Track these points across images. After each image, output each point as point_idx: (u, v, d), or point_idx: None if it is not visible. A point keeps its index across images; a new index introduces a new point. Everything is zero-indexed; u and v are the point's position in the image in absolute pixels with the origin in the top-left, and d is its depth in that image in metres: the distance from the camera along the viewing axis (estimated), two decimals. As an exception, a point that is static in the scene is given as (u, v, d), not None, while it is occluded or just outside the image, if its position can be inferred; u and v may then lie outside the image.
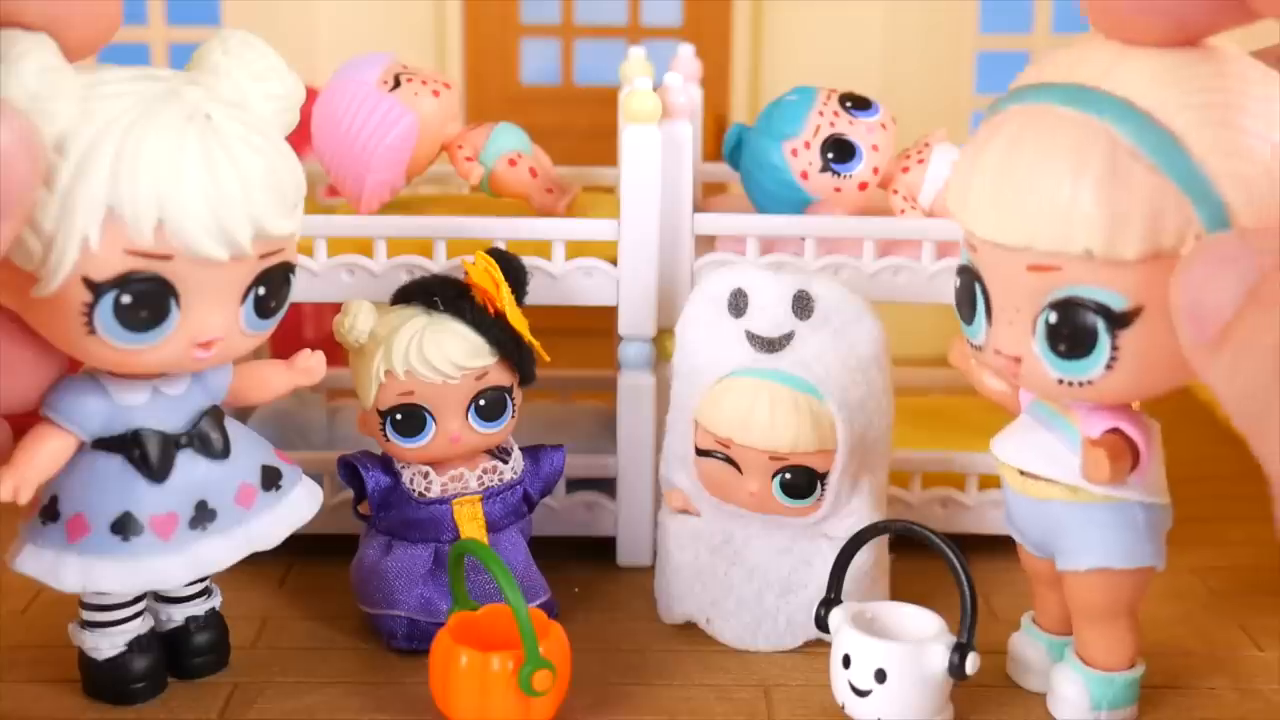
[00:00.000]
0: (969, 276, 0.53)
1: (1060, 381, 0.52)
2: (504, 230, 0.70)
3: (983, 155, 0.50)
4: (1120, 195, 0.47)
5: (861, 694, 0.57)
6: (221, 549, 0.57)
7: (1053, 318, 0.50)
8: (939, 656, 0.56)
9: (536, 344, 0.65)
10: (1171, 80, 0.47)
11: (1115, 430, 0.55)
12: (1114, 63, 0.48)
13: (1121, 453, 0.54)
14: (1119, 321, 0.49)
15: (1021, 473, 0.58)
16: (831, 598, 0.60)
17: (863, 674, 0.57)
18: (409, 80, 0.72)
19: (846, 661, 0.57)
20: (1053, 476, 0.57)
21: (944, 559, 0.57)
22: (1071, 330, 0.50)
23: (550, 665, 0.56)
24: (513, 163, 0.73)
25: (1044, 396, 0.57)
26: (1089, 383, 0.51)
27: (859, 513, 0.64)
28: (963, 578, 0.56)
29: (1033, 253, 0.50)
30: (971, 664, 0.56)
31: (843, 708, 0.58)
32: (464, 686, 0.56)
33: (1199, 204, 0.47)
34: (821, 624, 0.60)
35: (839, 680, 0.58)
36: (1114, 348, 0.50)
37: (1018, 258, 0.50)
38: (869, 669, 0.57)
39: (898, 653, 0.57)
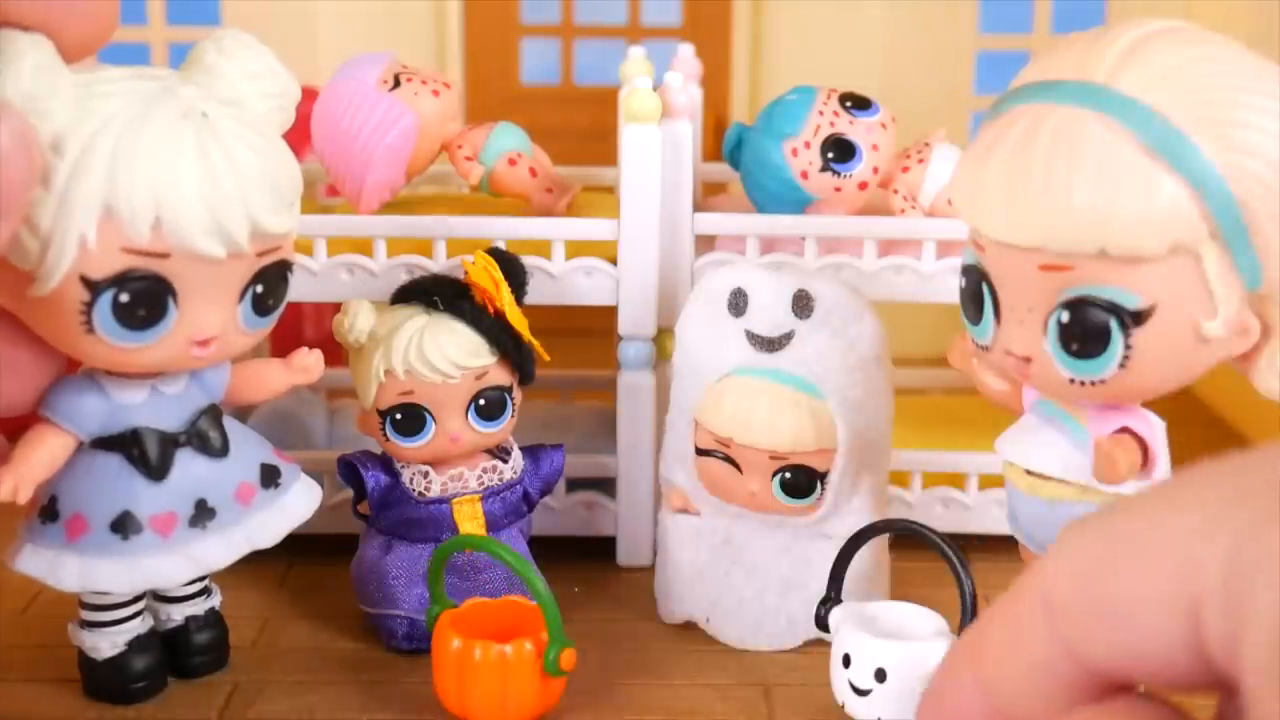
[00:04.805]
0: (975, 276, 0.53)
1: (1072, 381, 0.52)
2: (504, 230, 0.70)
3: (991, 155, 0.50)
4: (1133, 194, 0.47)
5: (861, 693, 0.57)
6: (221, 548, 0.57)
7: (1065, 317, 0.50)
8: (939, 656, 0.56)
9: (536, 344, 0.65)
10: (1179, 78, 0.47)
11: (1125, 429, 0.55)
12: (1120, 61, 0.48)
13: (1133, 452, 0.54)
14: (1133, 320, 0.49)
15: (1029, 473, 0.58)
16: (831, 597, 0.60)
17: (862, 673, 0.57)
18: (409, 80, 0.72)
19: (846, 661, 0.57)
20: (1063, 477, 0.57)
21: (943, 557, 0.57)
22: (1084, 330, 0.50)
23: (573, 643, 0.57)
24: (513, 162, 0.73)
25: (1054, 396, 0.56)
26: (1101, 382, 0.51)
27: (859, 512, 0.64)
28: (962, 576, 0.56)
29: (1045, 253, 0.49)
30: (971, 663, 0.56)
31: (842, 707, 0.58)
32: (483, 679, 0.57)
33: (1211, 200, 0.47)
34: (821, 623, 0.60)
35: (839, 679, 0.58)
36: (1127, 346, 0.50)
37: (1029, 258, 0.50)
38: (869, 668, 0.57)
39: (898, 652, 0.56)
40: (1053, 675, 0.25)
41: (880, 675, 0.56)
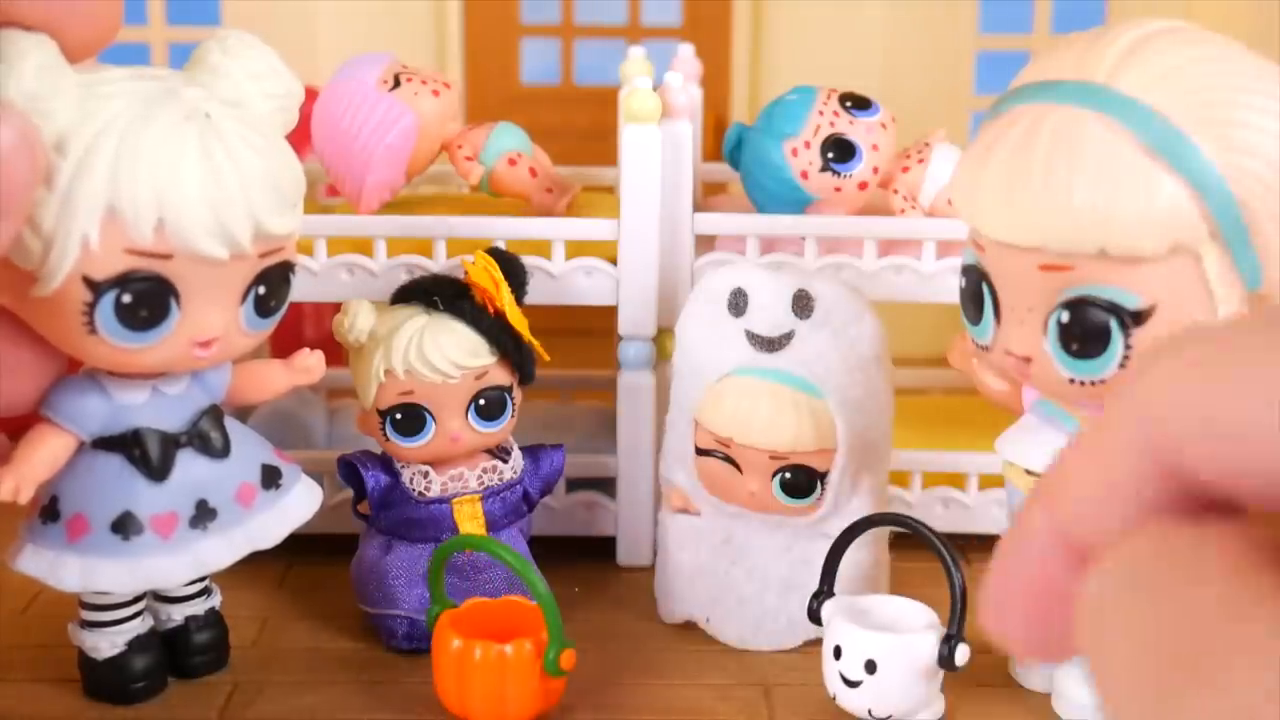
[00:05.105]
0: (975, 276, 0.53)
1: (1072, 381, 0.52)
2: (504, 230, 0.70)
3: (991, 155, 0.50)
4: (1133, 194, 0.47)
5: (852, 685, 0.57)
6: (222, 548, 0.57)
7: (1065, 317, 0.50)
8: (929, 648, 0.56)
9: (536, 343, 0.65)
10: (1179, 78, 0.47)
11: None
12: (1120, 61, 0.48)
13: None
14: (1133, 320, 0.49)
15: (1028, 473, 0.58)
16: (824, 590, 0.60)
17: (853, 665, 0.57)
18: (409, 80, 0.72)
19: (838, 653, 0.57)
20: None
21: (933, 551, 0.57)
22: (1084, 330, 0.50)
23: (573, 643, 0.57)
24: (513, 162, 0.73)
25: (1054, 396, 0.56)
26: (1102, 382, 0.51)
27: (859, 512, 0.63)
28: (952, 569, 0.56)
29: (1045, 253, 0.49)
30: (961, 655, 0.56)
31: (834, 698, 0.58)
32: (483, 679, 0.57)
33: (1211, 200, 0.47)
34: (814, 616, 0.60)
35: (830, 671, 0.58)
36: (1127, 347, 0.50)
37: (1029, 258, 0.50)
38: (859, 660, 0.57)
39: (887, 644, 0.56)
40: (1139, 499, 0.23)
41: (870, 667, 0.56)
